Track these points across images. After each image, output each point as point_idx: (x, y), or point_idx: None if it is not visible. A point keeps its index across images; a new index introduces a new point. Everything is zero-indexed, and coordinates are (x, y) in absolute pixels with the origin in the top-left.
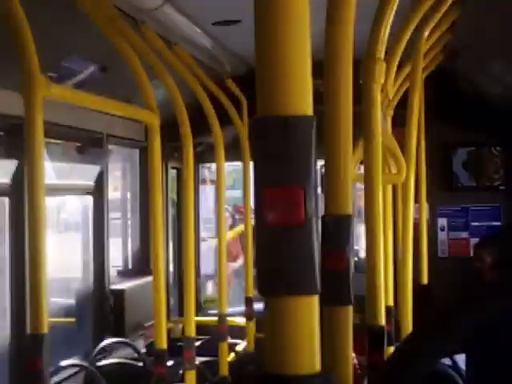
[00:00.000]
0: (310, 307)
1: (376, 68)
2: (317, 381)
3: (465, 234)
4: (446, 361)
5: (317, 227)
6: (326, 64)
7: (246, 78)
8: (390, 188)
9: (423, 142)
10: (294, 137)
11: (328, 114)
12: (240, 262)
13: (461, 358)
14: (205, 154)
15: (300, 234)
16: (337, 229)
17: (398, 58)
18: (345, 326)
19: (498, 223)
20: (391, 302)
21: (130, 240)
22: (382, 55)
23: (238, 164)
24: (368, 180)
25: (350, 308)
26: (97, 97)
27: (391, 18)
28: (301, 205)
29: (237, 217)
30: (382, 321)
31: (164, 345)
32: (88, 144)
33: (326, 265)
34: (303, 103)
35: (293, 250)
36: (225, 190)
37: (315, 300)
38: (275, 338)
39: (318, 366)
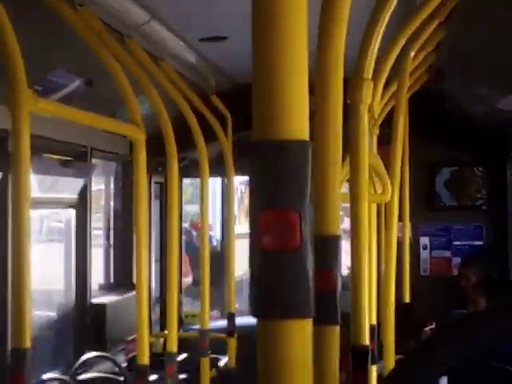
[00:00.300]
0: (304, 330)
1: (364, 88)
2: None
3: (447, 253)
4: None
5: (312, 250)
6: (318, 83)
7: (231, 94)
8: (374, 207)
9: (407, 161)
10: (288, 161)
11: (317, 133)
12: (189, 279)
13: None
14: (188, 169)
15: (294, 258)
16: (325, 249)
17: (384, 78)
18: (331, 346)
19: (481, 243)
20: (375, 321)
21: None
22: (370, 75)
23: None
24: (354, 199)
25: (337, 328)
26: (82, 111)
27: (379, 38)
28: (296, 228)
29: (194, 233)
30: (366, 340)
31: (146, 360)
32: (72, 157)
33: (314, 285)
34: (299, 127)
35: (287, 274)
36: (209, 205)
37: (309, 323)
38: (268, 361)
39: None
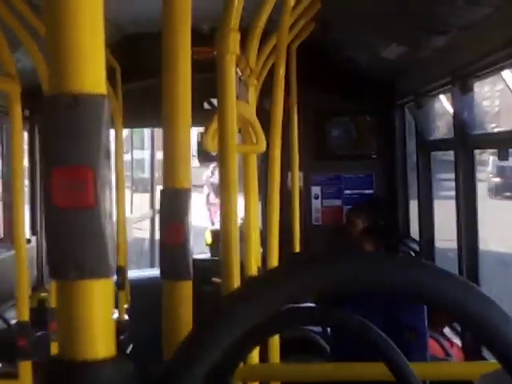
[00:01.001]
0: (103, 291)
1: (230, 38)
2: (111, 365)
3: (338, 202)
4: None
5: (110, 209)
6: (165, 34)
7: (121, 46)
8: (254, 157)
9: (295, 112)
10: (81, 116)
11: (166, 85)
12: None
13: None
14: None
15: (89, 216)
16: (175, 202)
17: (260, 28)
18: (182, 300)
19: (371, 191)
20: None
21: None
22: (237, 25)
23: None
24: (222, 150)
25: (190, 282)
26: None
27: None
28: (89, 186)
29: None
30: None
31: (26, 317)
32: None
33: (165, 239)
34: (94, 81)
35: (82, 233)
36: None
37: (108, 282)
38: (68, 324)
39: (112, 351)
